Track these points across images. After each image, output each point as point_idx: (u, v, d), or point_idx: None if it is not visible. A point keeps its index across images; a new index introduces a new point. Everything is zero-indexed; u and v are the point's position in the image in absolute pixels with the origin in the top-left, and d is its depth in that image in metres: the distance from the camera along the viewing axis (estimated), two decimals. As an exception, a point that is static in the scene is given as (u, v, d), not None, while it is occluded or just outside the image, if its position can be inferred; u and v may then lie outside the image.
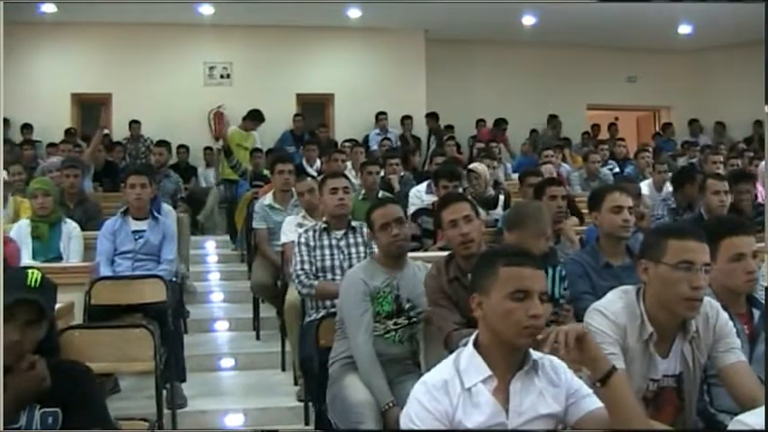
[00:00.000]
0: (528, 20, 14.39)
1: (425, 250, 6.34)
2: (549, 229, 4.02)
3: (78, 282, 5.58)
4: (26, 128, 13.46)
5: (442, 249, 5.96)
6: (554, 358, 2.68)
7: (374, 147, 13.20)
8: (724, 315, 3.10)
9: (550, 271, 4.14)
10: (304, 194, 6.64)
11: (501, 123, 14.76)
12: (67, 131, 12.96)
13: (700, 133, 15.91)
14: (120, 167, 11.11)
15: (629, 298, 3.07)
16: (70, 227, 6.52)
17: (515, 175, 10.34)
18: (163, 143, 10.60)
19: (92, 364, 3.00)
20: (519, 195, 7.79)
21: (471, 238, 4.08)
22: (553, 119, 15.51)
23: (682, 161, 12.43)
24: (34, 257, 6.21)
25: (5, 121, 13.50)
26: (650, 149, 11.87)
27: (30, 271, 2.87)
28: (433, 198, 7.12)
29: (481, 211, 6.93)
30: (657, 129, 16.72)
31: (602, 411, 2.59)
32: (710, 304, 3.09)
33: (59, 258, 6.34)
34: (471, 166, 8.40)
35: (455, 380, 2.57)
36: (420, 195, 7.86)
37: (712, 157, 9.88)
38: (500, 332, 2.57)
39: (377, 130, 14.13)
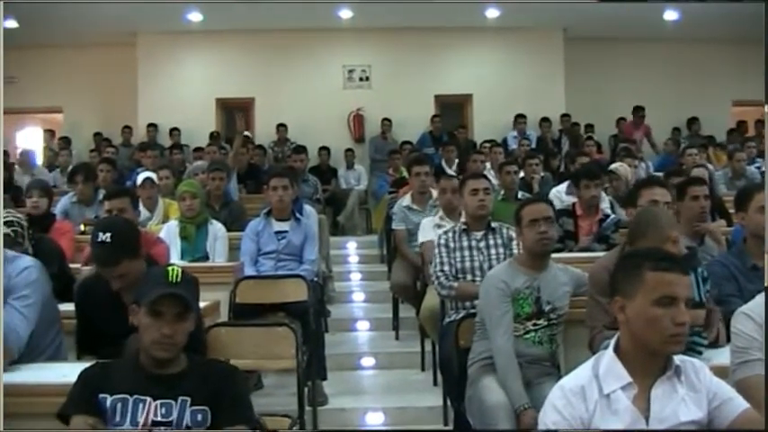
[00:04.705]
0: (670, 15, 14.00)
1: (570, 251, 6.25)
2: (675, 232, 3.82)
3: (224, 281, 5.73)
4: (174, 132, 13.92)
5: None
6: (695, 360, 2.62)
7: (513, 146, 13.10)
8: None
9: (692, 274, 3.99)
10: (447, 192, 6.55)
11: (639, 111, 14.28)
12: (212, 135, 13.28)
13: None
14: (263, 170, 11.34)
15: (778, 301, 2.96)
16: (216, 228, 6.69)
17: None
18: (301, 149, 10.67)
19: (236, 361, 3.11)
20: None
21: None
22: (694, 122, 15.12)
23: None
24: (182, 257, 6.39)
25: (155, 126, 14.06)
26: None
27: (170, 268, 3.00)
28: (572, 199, 7.00)
29: (621, 210, 6.85)
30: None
31: (751, 413, 2.51)
32: None
33: (206, 258, 6.52)
34: (612, 166, 8.30)
35: (593, 385, 2.54)
36: (560, 196, 7.74)
37: None
38: (644, 338, 2.52)
39: (514, 133, 13.98)
